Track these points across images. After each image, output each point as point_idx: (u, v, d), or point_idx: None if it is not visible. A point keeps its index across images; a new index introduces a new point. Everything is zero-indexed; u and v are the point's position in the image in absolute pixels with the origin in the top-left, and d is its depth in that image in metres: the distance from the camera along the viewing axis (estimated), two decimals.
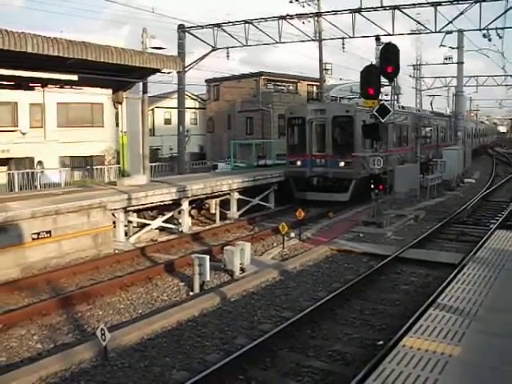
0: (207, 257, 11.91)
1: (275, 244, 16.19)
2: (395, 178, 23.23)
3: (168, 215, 18.57)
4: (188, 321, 9.54)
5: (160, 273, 12.98)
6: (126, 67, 17.59)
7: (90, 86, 20.67)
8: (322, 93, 35.68)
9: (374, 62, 21.10)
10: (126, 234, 17.00)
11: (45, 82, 18.38)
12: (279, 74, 45.34)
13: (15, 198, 15.91)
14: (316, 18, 29.02)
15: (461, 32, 30.61)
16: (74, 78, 16.97)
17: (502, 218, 19.02)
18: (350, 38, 25.70)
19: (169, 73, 20.67)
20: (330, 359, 7.98)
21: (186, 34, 28.23)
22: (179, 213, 18.81)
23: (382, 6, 23.81)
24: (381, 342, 8.32)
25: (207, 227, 19.52)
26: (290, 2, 33.45)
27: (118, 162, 25.17)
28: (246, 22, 26.47)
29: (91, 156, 34.26)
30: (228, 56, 28.79)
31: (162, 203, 18.12)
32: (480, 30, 24.24)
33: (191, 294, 11.52)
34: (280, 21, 25.90)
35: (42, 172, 28.89)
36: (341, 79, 47.00)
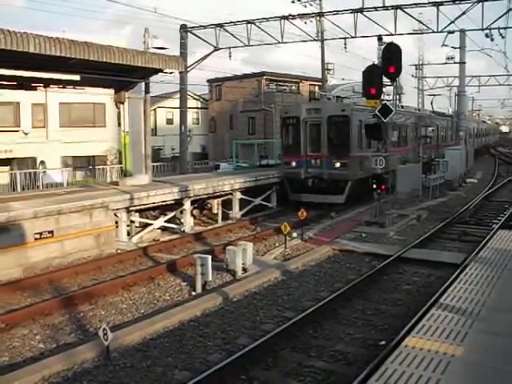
0: (209, 257, 11.91)
1: (277, 244, 16.18)
2: (397, 177, 23.21)
3: (170, 215, 18.58)
4: (190, 321, 9.54)
5: (162, 273, 12.99)
6: (128, 67, 17.60)
7: (92, 85, 20.68)
8: (325, 93, 35.65)
9: (376, 62, 21.09)
10: (129, 233, 17.01)
11: (47, 82, 18.40)
12: (281, 74, 45.33)
13: (17, 198, 15.94)
14: (318, 18, 29.07)
15: (463, 32, 30.51)
16: (76, 77, 16.99)
17: (505, 217, 18.98)
18: (352, 37, 25.71)
19: (171, 73, 20.64)
20: (332, 359, 7.97)
21: (188, 34, 28.28)
22: (181, 213, 18.81)
23: (384, 6, 23.81)
24: (383, 342, 8.31)
25: (209, 227, 19.53)
26: (292, 1, 33.48)
27: (120, 162, 25.19)
28: (248, 22, 26.48)
29: (93, 156, 34.28)
30: (230, 56, 28.79)
31: (164, 203, 18.13)
32: (482, 29, 24.25)
33: (193, 293, 11.53)
34: (282, 21, 25.93)
35: (44, 172, 28.92)
36: (343, 79, 47.07)
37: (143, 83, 20.21)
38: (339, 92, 41.93)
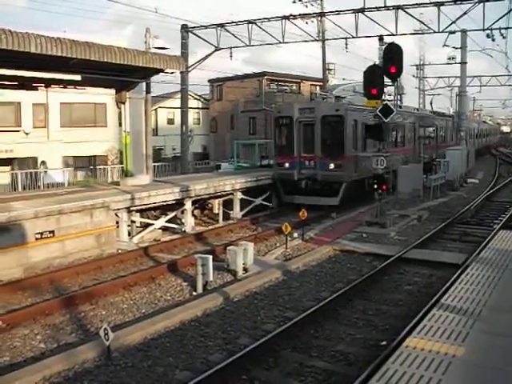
0: (210, 257, 11.91)
1: (278, 244, 16.18)
2: (398, 178, 23.17)
3: (171, 215, 18.59)
4: (191, 321, 9.55)
5: (163, 273, 12.99)
6: (129, 67, 17.61)
7: (94, 86, 20.69)
8: (325, 92, 35.62)
9: (377, 62, 21.07)
10: (129, 233, 17.01)
11: (48, 82, 18.40)
12: (282, 74, 45.35)
13: (18, 198, 15.95)
14: (319, 18, 29.05)
15: (464, 32, 30.50)
16: (78, 78, 17.00)
17: (506, 218, 18.97)
18: (353, 38, 25.68)
19: (172, 73, 20.64)
20: (333, 359, 7.97)
21: (189, 34, 28.29)
22: (182, 213, 18.81)
23: (385, 6, 23.79)
24: (384, 343, 8.30)
25: (210, 227, 19.53)
26: (293, 1, 33.46)
27: (121, 162, 25.20)
28: (249, 22, 26.48)
29: (94, 156, 34.29)
30: (231, 56, 28.78)
31: (165, 203, 18.13)
32: (483, 29, 24.22)
33: (194, 293, 11.53)
34: (283, 21, 25.92)
35: (45, 172, 28.95)
36: (344, 79, 46.92)
37: (144, 83, 20.21)
38: (340, 92, 41.85)
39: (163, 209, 18.57)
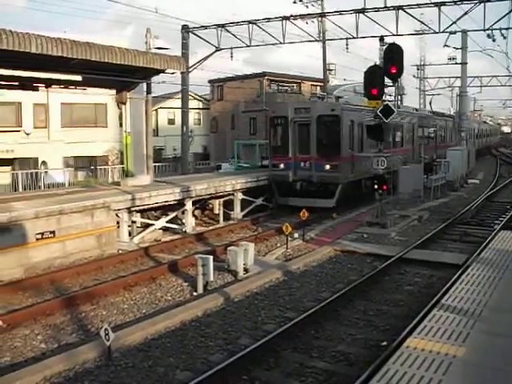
0: (211, 257, 11.92)
1: (279, 244, 16.19)
2: (399, 178, 23.16)
3: (172, 215, 18.59)
4: (192, 321, 9.55)
5: (164, 273, 13.00)
6: (129, 67, 17.61)
7: (94, 86, 20.69)
8: (327, 93, 35.63)
9: (377, 63, 21.06)
10: (130, 234, 17.02)
11: (49, 83, 18.41)
12: (283, 74, 45.39)
13: (19, 198, 15.95)
14: (320, 19, 29.05)
15: (465, 32, 30.51)
16: (78, 78, 17.01)
17: (506, 218, 18.97)
18: (354, 38, 25.69)
19: (172, 73, 20.66)
20: (334, 360, 7.97)
21: (190, 34, 28.30)
22: (183, 213, 18.81)
23: (385, 7, 23.81)
24: (384, 343, 8.31)
25: (211, 227, 19.53)
26: (294, 2, 33.46)
27: (122, 162, 25.20)
28: (249, 22, 26.50)
29: (95, 156, 34.31)
30: (232, 56, 28.84)
31: (165, 203, 18.14)
32: (484, 30, 24.25)
33: (195, 294, 11.53)
34: (284, 21, 25.94)
35: (45, 172, 28.98)
36: (344, 79, 46.94)
37: (145, 84, 20.22)
38: (341, 93, 41.87)
39: (164, 209, 18.58)
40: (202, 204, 20.83)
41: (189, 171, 29.43)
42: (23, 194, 18.50)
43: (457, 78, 45.66)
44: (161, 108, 47.52)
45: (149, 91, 20.58)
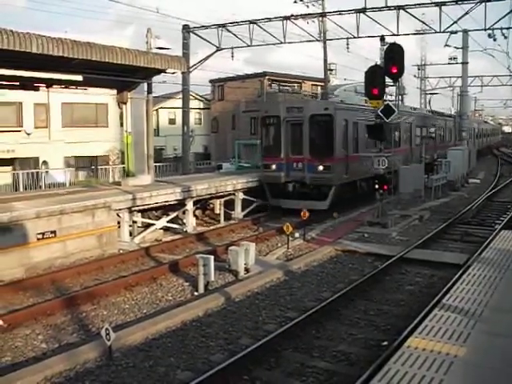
0: (212, 257, 11.92)
1: (280, 244, 16.18)
2: (400, 178, 23.14)
3: (172, 215, 18.59)
4: (192, 321, 9.55)
5: (164, 273, 13.00)
6: (130, 67, 17.62)
7: (95, 86, 20.72)
8: (327, 93, 35.63)
9: (378, 63, 21.06)
10: (131, 233, 17.03)
11: (50, 83, 18.43)
12: (283, 74, 45.36)
13: (20, 198, 15.96)
14: (320, 19, 29.04)
15: (465, 32, 30.50)
16: (79, 78, 17.03)
17: (507, 218, 18.95)
18: (355, 38, 25.68)
19: (173, 73, 20.66)
20: (335, 359, 7.97)
21: (191, 34, 28.29)
22: (184, 213, 18.82)
23: (386, 6, 23.80)
24: (385, 343, 8.30)
25: (212, 227, 19.53)
26: (294, 2, 33.44)
27: (123, 162, 25.20)
28: (250, 22, 26.49)
29: (96, 156, 34.32)
30: (232, 56, 28.85)
31: (166, 203, 18.14)
32: (485, 29, 24.22)
33: (196, 294, 11.54)
34: (284, 21, 25.94)
35: (46, 172, 28.99)
36: (345, 79, 46.94)
37: (146, 83, 20.23)
38: (341, 92, 41.85)
39: (165, 209, 18.58)
40: (202, 204, 20.83)
41: (189, 171, 29.41)
42: (24, 194, 18.52)
43: (458, 77, 45.66)
44: (162, 108, 47.54)
45: (150, 91, 20.60)
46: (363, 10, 24.12)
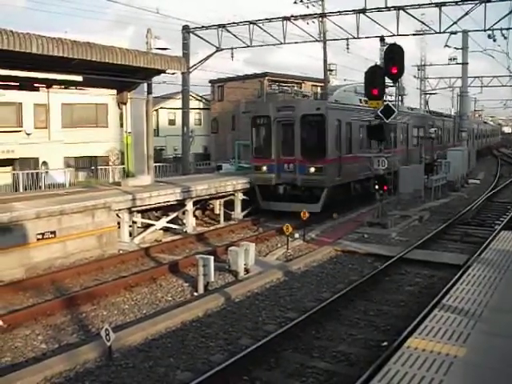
0: (211, 257, 11.92)
1: (279, 245, 16.19)
2: (400, 178, 23.14)
3: (172, 216, 18.59)
4: (192, 321, 9.55)
5: (164, 273, 13.00)
6: (130, 68, 17.62)
7: (95, 86, 20.75)
8: (327, 93, 35.61)
9: (378, 63, 21.06)
10: (131, 234, 17.03)
11: (49, 83, 18.43)
12: (283, 74, 45.33)
13: (20, 199, 15.96)
14: (320, 19, 29.00)
15: (465, 32, 30.51)
16: (79, 78, 17.03)
17: (507, 219, 18.96)
18: (355, 38, 25.64)
19: (173, 73, 20.68)
20: (335, 360, 7.97)
21: (191, 34, 28.28)
22: (183, 213, 18.82)
23: (386, 7, 23.79)
24: (385, 343, 8.30)
25: (211, 228, 19.54)
26: (294, 2, 33.45)
27: (123, 163, 25.19)
28: (250, 22, 26.48)
29: (95, 156, 34.34)
30: (232, 57, 28.80)
31: (166, 204, 18.14)
32: (485, 30, 24.21)
33: (195, 294, 11.54)
34: (284, 21, 25.93)
35: (46, 172, 28.98)
36: (345, 80, 46.89)
37: (145, 84, 20.23)
38: (341, 93, 41.76)
39: (164, 209, 18.58)
40: (202, 204, 20.83)
41: (189, 171, 29.41)
42: (24, 195, 18.52)
43: (457, 78, 45.63)
44: (161, 108, 47.53)
45: (149, 91, 20.59)
46: (363, 11, 24.12)
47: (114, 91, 20.36)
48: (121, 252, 15.39)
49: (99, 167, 31.00)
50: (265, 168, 20.88)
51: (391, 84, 20.94)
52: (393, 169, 20.30)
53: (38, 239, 13.45)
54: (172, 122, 47.31)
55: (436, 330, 6.74)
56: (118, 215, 16.15)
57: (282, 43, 26.80)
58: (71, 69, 16.43)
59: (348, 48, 27.04)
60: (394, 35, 24.29)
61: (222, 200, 20.73)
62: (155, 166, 24.76)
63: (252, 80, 43.61)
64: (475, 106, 78.38)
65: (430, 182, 25.29)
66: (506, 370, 5.74)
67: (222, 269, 12.80)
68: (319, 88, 43.42)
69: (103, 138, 34.07)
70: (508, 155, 63.98)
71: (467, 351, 6.12)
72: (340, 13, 25.41)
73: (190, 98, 33.20)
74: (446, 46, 30.66)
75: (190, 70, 28.02)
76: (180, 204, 18.65)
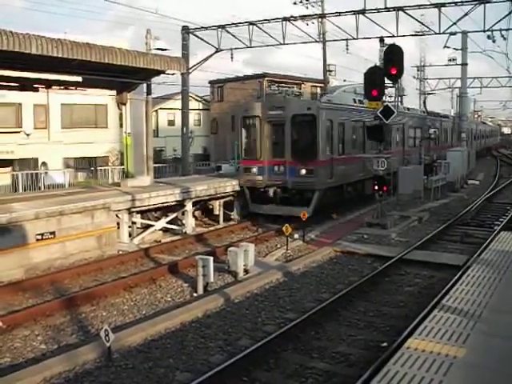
0: (211, 258, 11.92)
1: (279, 245, 16.19)
2: (399, 179, 23.11)
3: (172, 216, 18.59)
4: (192, 322, 9.54)
5: (164, 274, 13.00)
6: (130, 68, 17.63)
7: (95, 87, 20.70)
8: (326, 94, 35.57)
9: (377, 64, 21.05)
10: (130, 234, 17.02)
11: (49, 84, 18.42)
12: (283, 75, 45.29)
13: (19, 199, 15.96)
14: (320, 20, 29.06)
15: (465, 33, 30.50)
16: (79, 79, 17.02)
17: (507, 219, 18.96)
18: (354, 39, 25.61)
19: (173, 74, 20.67)
20: (334, 361, 7.97)
21: (190, 35, 28.28)
22: (183, 214, 18.82)
23: (385, 8, 23.77)
24: (385, 344, 8.30)
25: (211, 228, 19.54)
26: (294, 3, 33.52)
27: (122, 163, 25.17)
28: (249, 23, 26.47)
29: (95, 157, 34.31)
30: (232, 57, 28.75)
31: (165, 204, 18.14)
32: (484, 31, 24.22)
33: (195, 295, 11.53)
34: (284, 22, 25.91)
35: (46, 173, 28.94)
36: (344, 80, 46.89)
37: (145, 84, 20.23)
38: (341, 93, 41.66)
39: (164, 210, 18.57)
40: (202, 205, 20.82)
41: (189, 172, 29.40)
42: (23, 195, 18.53)
43: (457, 79, 45.62)
44: (161, 109, 47.50)
45: (149, 92, 20.60)
46: (362, 12, 24.10)
47: (114, 92, 20.35)
48: (120, 252, 15.38)
49: (99, 168, 30.96)
50: (254, 170, 20.35)
51: (391, 85, 20.92)
52: (392, 169, 20.25)
53: (38, 240, 13.45)
54: (171, 123, 47.27)
55: (436, 331, 6.74)
56: (117, 216, 16.15)
57: (281, 44, 26.79)
58: (71, 69, 16.43)
59: (347, 49, 27.00)
60: (393, 36, 24.27)
61: (222, 201, 20.72)
62: (155, 167, 24.71)
63: (251, 81, 43.68)
64: (475, 106, 78.50)
65: (430, 183, 25.29)
66: (505, 370, 5.74)
67: (221, 269, 12.80)
68: (319, 89, 43.46)
69: (103, 139, 34.05)
70: (507, 156, 64.00)
71: (467, 352, 6.12)
72: (339, 13, 25.38)
73: (190, 98, 33.21)
74: (446, 46, 30.69)
75: (190, 70, 28.01)
76: (179, 205, 18.65)
